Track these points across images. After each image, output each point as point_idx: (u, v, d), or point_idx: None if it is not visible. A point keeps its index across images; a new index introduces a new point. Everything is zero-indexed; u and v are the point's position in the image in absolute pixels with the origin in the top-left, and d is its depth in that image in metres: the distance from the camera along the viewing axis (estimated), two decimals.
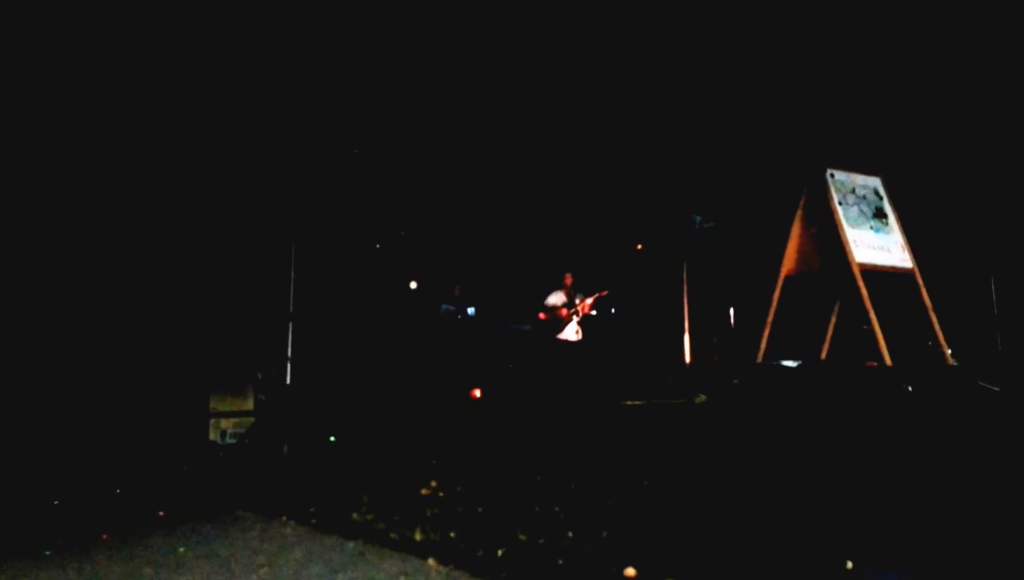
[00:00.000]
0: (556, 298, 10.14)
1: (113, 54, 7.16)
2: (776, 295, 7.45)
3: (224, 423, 6.73)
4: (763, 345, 7.40)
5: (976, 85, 8.91)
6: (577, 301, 10.07)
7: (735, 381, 7.73)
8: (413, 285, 10.55)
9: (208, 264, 7.71)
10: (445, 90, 9.64)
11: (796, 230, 7.55)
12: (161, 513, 4.30)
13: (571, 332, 10.07)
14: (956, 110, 9.05)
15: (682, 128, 10.35)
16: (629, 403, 9.29)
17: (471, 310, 10.31)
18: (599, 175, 11.28)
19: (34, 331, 6.56)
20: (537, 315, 10.11)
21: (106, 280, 7.05)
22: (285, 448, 6.33)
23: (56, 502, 4.63)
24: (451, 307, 10.22)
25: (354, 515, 4.00)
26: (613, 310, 10.60)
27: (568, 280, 10.20)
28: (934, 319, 6.99)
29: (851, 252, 6.98)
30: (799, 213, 7.56)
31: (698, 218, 10.53)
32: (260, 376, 7.14)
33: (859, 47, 8.89)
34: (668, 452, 5.54)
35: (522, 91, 9.94)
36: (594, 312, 10.15)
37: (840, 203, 7.28)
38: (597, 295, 10.04)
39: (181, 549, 3.57)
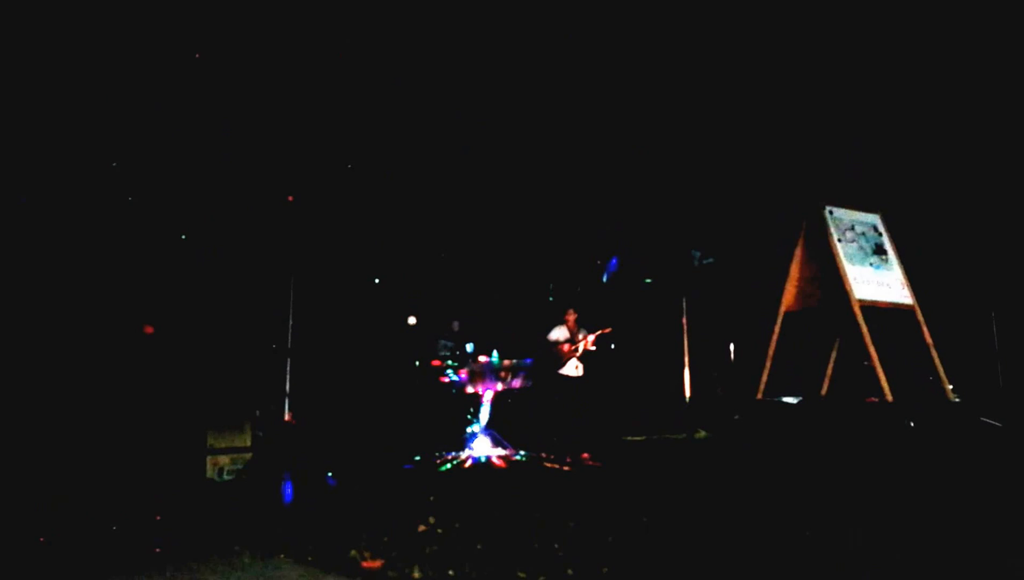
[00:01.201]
0: (558, 333, 10.10)
1: (102, 91, 7.24)
2: (776, 331, 7.46)
3: (222, 460, 6.65)
4: (763, 381, 7.39)
5: (974, 123, 8.99)
6: (579, 337, 10.03)
7: (736, 417, 7.70)
8: (412, 320, 10.52)
9: (205, 299, 7.70)
10: (445, 124, 9.74)
11: (795, 266, 7.57)
12: (157, 550, 4.26)
13: (572, 368, 10.02)
14: (955, 146, 9.11)
15: (682, 165, 10.42)
16: (630, 439, 9.24)
17: (470, 347, 10.27)
18: (600, 211, 11.33)
19: (31, 362, 6.54)
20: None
21: (102, 313, 7.04)
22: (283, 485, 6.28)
23: (50, 539, 4.58)
24: (449, 342, 10.18)
25: (352, 552, 3.96)
26: (613, 345, 10.55)
27: (571, 316, 10.15)
28: (935, 355, 6.98)
29: (851, 288, 6.99)
30: (798, 249, 7.59)
31: (697, 253, 10.53)
32: (258, 412, 7.09)
33: (857, 85, 8.99)
34: (669, 488, 5.50)
35: (526, 126, 10.04)
36: (594, 347, 10.11)
37: (839, 240, 7.31)
38: (600, 332, 9.99)
39: None
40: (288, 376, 7.30)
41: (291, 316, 7.51)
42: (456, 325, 10.34)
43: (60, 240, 7.04)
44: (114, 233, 7.38)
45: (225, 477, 6.61)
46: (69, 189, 7.14)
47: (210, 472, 6.58)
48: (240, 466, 6.69)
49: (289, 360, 7.33)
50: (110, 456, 6.20)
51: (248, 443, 6.86)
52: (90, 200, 7.27)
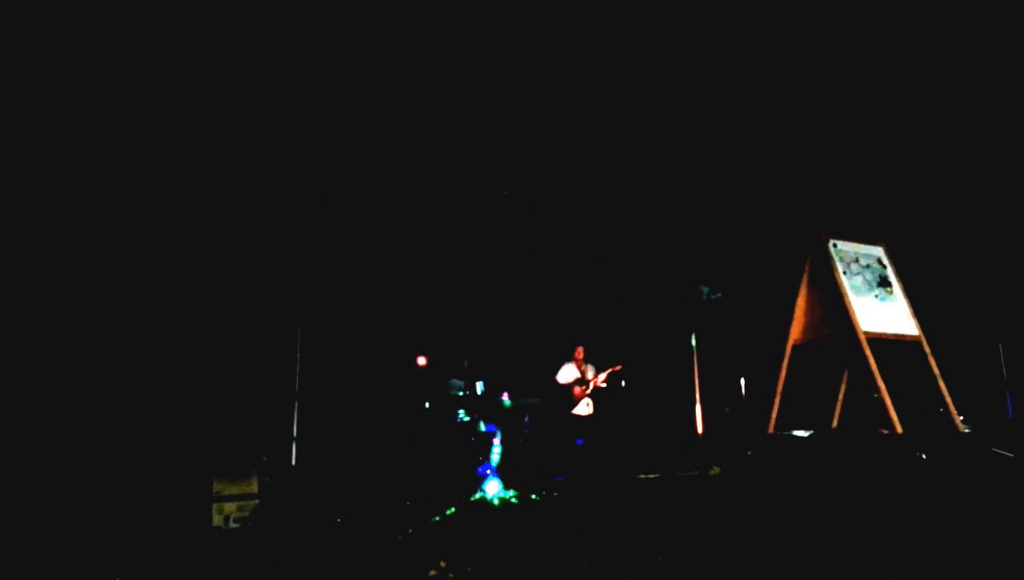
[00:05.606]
0: (567, 372, 10.06)
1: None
2: (784, 365, 7.42)
3: (228, 507, 6.62)
4: (774, 415, 7.34)
5: (977, 152, 9.01)
6: (589, 375, 10.00)
7: (748, 452, 7.64)
8: (422, 361, 10.51)
9: (211, 343, 7.73)
10: (451, 166, 9.84)
11: (801, 300, 7.55)
12: None
13: (583, 406, 9.98)
14: (958, 176, 9.12)
15: (688, 201, 10.47)
16: (643, 476, 9.16)
17: (480, 385, 10.25)
18: (607, 248, 11.37)
19: (30, 405, 6.55)
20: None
21: (107, 358, 7.07)
22: (291, 532, 6.23)
23: None
24: (460, 382, 10.16)
25: None
26: (624, 382, 10.52)
27: (579, 353, 10.12)
28: (943, 386, 6.93)
29: (856, 321, 6.96)
30: (804, 283, 7.58)
31: (705, 289, 10.54)
32: (265, 458, 7.07)
33: (860, 118, 9.04)
34: (684, 526, 5.46)
35: (532, 166, 10.12)
36: (605, 385, 10.07)
37: (844, 272, 7.30)
38: (610, 370, 9.96)
39: None
40: (296, 420, 7.30)
41: (298, 360, 7.53)
42: (467, 363, 10.31)
43: (71, 284, 7.11)
44: (125, 276, 7.44)
45: (231, 525, 6.57)
46: (71, 234, 7.23)
47: (216, 520, 6.54)
48: (247, 513, 6.65)
49: (296, 404, 7.33)
50: (112, 504, 6.18)
51: (255, 489, 6.83)
52: (96, 243, 7.35)
